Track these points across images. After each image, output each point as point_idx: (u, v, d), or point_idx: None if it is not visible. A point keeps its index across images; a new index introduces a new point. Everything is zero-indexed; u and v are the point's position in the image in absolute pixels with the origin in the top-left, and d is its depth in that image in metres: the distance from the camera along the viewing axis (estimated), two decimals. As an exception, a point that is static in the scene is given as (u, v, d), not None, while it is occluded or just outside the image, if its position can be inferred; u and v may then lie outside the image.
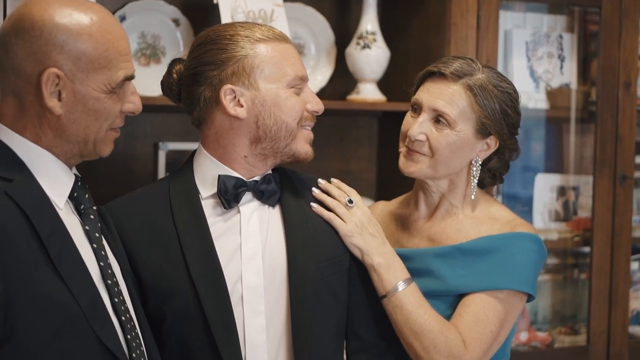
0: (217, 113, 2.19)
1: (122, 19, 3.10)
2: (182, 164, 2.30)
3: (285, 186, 2.27)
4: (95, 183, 3.07)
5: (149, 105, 3.00)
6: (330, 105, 3.20)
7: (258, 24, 2.23)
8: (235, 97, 2.16)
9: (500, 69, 3.42)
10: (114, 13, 3.10)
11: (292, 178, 2.30)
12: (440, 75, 2.35)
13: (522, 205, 3.54)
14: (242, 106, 2.16)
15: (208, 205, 2.21)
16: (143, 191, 2.29)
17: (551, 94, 3.52)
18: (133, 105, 1.96)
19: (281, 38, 2.21)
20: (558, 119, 3.61)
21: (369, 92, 3.22)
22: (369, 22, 3.21)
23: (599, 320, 3.45)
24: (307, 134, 2.25)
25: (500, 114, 2.34)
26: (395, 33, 3.38)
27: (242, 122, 2.17)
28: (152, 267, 2.16)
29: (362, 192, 3.40)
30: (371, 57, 3.19)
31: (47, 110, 1.85)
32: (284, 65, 2.17)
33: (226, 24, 2.25)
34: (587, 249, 3.52)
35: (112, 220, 2.18)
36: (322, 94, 3.35)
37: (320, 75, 3.35)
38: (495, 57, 3.12)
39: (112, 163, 3.16)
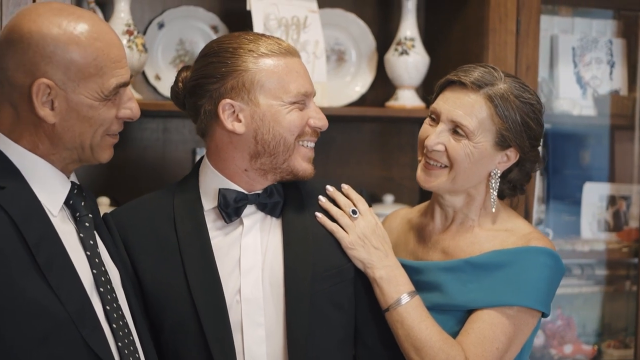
0: (216, 127, 2.18)
1: (161, 26, 3.13)
2: (189, 172, 2.30)
3: (289, 196, 2.25)
4: (135, 187, 3.12)
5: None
6: (368, 112, 3.19)
7: (266, 37, 2.20)
8: (234, 111, 2.15)
9: (545, 75, 3.35)
10: (152, 20, 3.13)
11: (299, 186, 2.28)
12: (460, 85, 2.28)
13: (569, 214, 3.46)
14: (240, 121, 2.15)
15: (210, 217, 2.21)
16: (148, 198, 2.30)
17: (599, 101, 3.42)
18: (130, 111, 1.97)
19: (288, 52, 2.18)
20: (607, 127, 3.50)
21: (407, 99, 3.19)
22: (408, 28, 3.18)
23: (647, 334, 3.34)
24: (305, 152, 2.21)
25: (521, 126, 2.26)
26: (437, 39, 3.34)
27: (241, 137, 2.16)
28: (152, 275, 2.17)
29: (404, 199, 3.39)
30: (409, 63, 3.15)
31: (41, 119, 1.87)
32: (286, 82, 2.15)
33: (233, 35, 2.23)
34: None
35: (115, 228, 2.19)
36: (363, 101, 3.34)
37: (361, 81, 3.33)
38: (535, 63, 3.04)
39: (151, 167, 3.20)
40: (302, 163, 2.21)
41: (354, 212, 2.27)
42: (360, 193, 2.34)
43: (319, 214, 2.26)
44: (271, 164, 2.18)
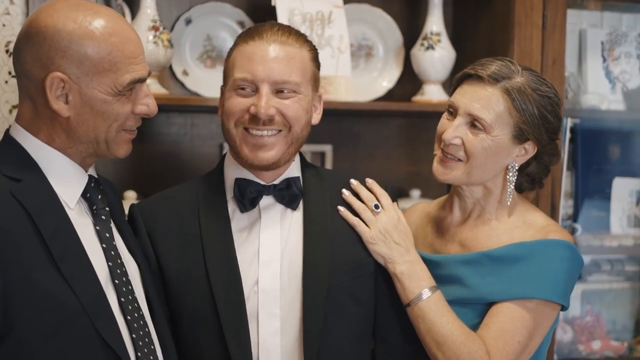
0: None
1: (188, 22, 3.16)
2: (217, 164, 2.35)
3: (312, 189, 2.26)
4: (162, 182, 3.16)
5: (215, 107, 3.06)
6: (393, 107, 3.20)
7: (266, 25, 2.25)
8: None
9: (573, 69, 3.33)
10: (179, 17, 3.15)
11: (323, 178, 2.30)
12: (478, 78, 2.28)
13: (598, 210, 3.43)
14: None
15: (232, 208, 2.24)
16: (175, 189, 2.34)
17: (628, 95, 3.39)
18: (146, 107, 2.00)
19: (259, 37, 2.22)
20: (637, 121, 3.47)
21: (433, 94, 3.18)
22: (434, 23, 3.17)
23: (676, 330, 3.31)
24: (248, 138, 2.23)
25: (538, 119, 2.26)
26: (463, 33, 3.34)
27: None
28: (173, 264, 2.20)
29: (431, 195, 3.39)
30: (435, 58, 3.15)
31: (56, 112, 1.90)
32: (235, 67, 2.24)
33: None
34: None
35: (141, 219, 2.23)
36: (390, 96, 3.34)
37: (388, 76, 3.33)
38: (562, 57, 3.02)
39: (179, 163, 3.23)
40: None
41: (377, 206, 2.27)
42: (386, 189, 2.34)
43: (341, 208, 2.27)
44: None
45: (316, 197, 2.26)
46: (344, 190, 2.30)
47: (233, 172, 2.25)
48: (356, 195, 2.30)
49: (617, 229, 3.43)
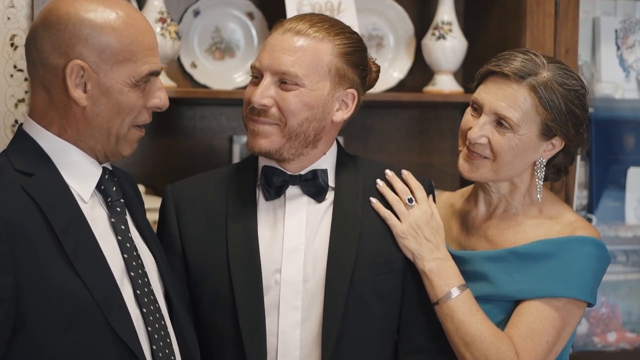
0: None
1: (197, 13, 3.13)
2: None
3: (344, 180, 2.22)
4: (172, 175, 3.14)
5: (224, 99, 3.05)
6: (404, 98, 3.18)
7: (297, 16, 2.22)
8: None
9: (587, 58, 3.29)
10: (188, 8, 3.13)
11: (359, 169, 2.26)
12: (502, 75, 2.23)
13: (613, 200, 3.40)
14: None
15: (260, 196, 2.22)
16: (211, 173, 2.33)
17: (643, 84, 3.36)
18: (159, 100, 1.98)
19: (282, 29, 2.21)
20: (651, 110, 3.43)
21: (445, 84, 3.15)
22: (446, 12, 3.14)
23: (692, 322, 3.28)
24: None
25: (566, 115, 2.22)
26: (475, 23, 3.31)
27: None
28: (196, 246, 2.19)
29: (445, 186, 3.36)
30: (446, 47, 3.12)
31: (73, 101, 1.89)
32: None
33: None
34: (683, 247, 3.35)
35: (172, 200, 2.23)
36: (402, 87, 3.31)
37: (399, 67, 3.30)
38: (575, 46, 2.98)
39: (188, 155, 3.22)
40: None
41: (410, 200, 2.23)
42: (422, 182, 2.29)
43: (373, 200, 2.22)
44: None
45: (348, 189, 2.21)
46: (379, 181, 2.25)
47: (262, 159, 2.22)
48: (391, 186, 2.26)
49: (632, 219, 3.40)
